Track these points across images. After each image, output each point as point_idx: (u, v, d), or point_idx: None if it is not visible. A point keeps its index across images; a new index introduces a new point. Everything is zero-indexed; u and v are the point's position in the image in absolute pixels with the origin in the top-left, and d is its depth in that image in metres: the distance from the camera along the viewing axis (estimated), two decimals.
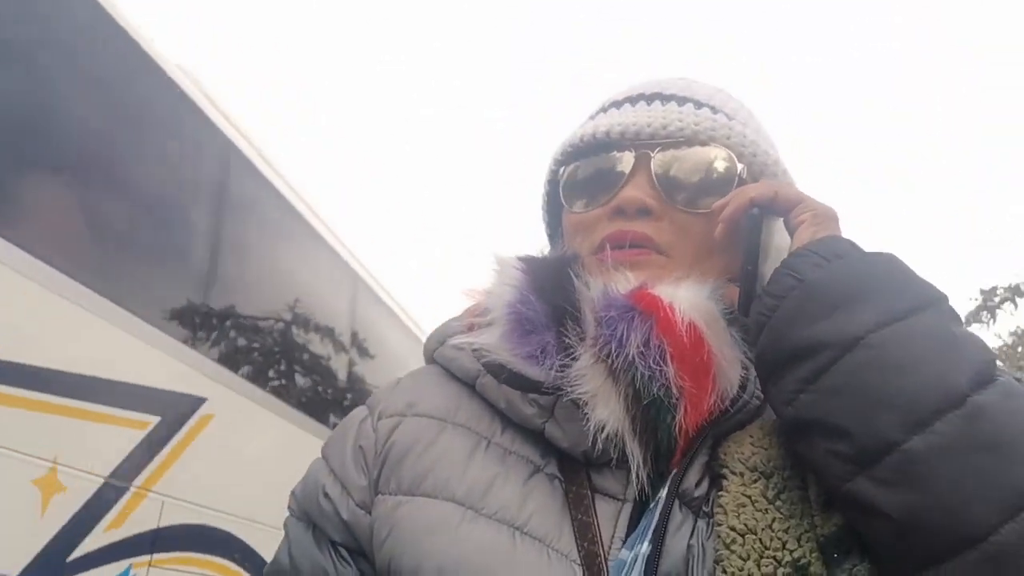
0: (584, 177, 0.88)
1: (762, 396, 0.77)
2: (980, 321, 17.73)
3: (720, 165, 0.84)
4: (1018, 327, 18.19)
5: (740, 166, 0.85)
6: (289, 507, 0.86)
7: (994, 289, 17.61)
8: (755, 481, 0.69)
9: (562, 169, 0.91)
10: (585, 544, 0.70)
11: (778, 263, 0.74)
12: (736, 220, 0.78)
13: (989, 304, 17.68)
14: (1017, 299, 17.31)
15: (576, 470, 0.76)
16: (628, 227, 0.82)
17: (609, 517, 0.73)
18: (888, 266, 0.69)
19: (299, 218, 4.78)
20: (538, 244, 0.95)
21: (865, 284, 0.67)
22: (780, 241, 0.82)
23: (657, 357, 0.72)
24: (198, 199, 3.85)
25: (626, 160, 0.84)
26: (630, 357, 0.72)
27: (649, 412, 0.72)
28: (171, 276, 3.67)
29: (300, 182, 4.80)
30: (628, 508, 0.73)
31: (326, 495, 0.81)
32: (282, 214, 4.57)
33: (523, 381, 0.78)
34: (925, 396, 0.60)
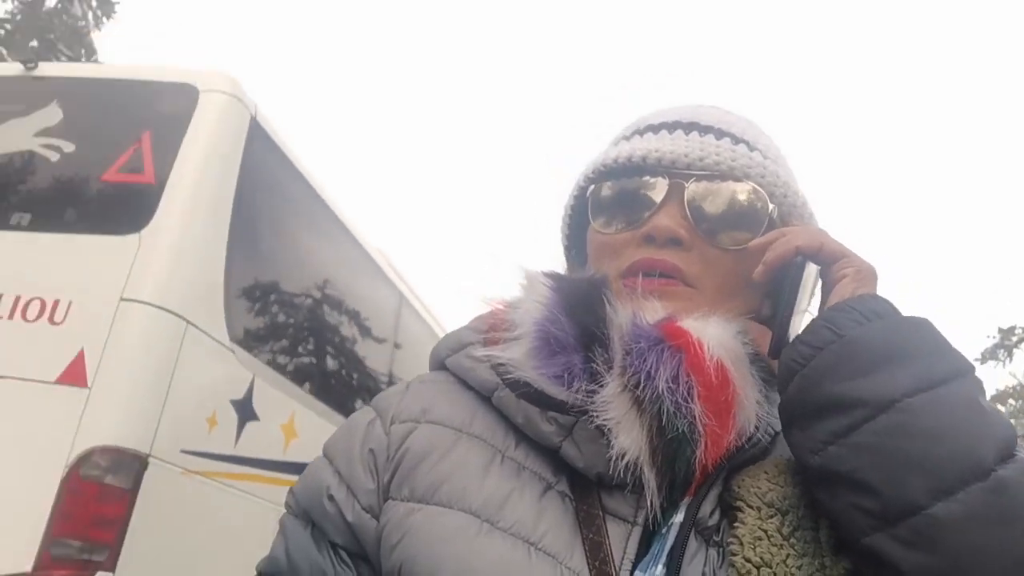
0: (615, 198, 0.88)
1: (773, 434, 0.79)
2: (997, 359, 18.17)
3: (753, 203, 0.85)
4: None
5: (772, 206, 0.86)
6: (287, 504, 0.86)
7: (1012, 328, 18.19)
8: (771, 516, 0.70)
9: (592, 187, 0.91)
10: (596, 563, 0.71)
11: (805, 310, 0.76)
12: (779, 266, 0.79)
13: (1007, 343, 18.05)
14: None
15: (587, 490, 0.76)
16: (659, 256, 0.83)
17: (619, 538, 0.74)
18: (925, 332, 0.71)
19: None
20: (549, 254, 0.97)
21: (903, 348, 0.69)
22: (808, 288, 0.82)
23: (685, 393, 0.73)
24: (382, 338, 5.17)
25: (660, 187, 0.85)
26: (658, 391, 0.73)
27: (670, 445, 0.73)
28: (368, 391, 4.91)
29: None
30: (638, 531, 0.74)
31: (331, 497, 0.81)
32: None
33: (544, 399, 0.78)
34: (953, 465, 0.63)
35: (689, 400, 0.73)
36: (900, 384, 0.66)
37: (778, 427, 0.78)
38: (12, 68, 3.68)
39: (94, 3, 16.78)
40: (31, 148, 3.40)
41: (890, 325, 0.71)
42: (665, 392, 0.73)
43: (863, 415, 0.66)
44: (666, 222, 0.83)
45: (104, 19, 17.48)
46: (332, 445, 0.87)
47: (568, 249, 0.99)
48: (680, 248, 0.83)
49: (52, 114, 3.49)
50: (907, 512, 0.63)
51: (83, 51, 16.83)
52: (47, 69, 3.66)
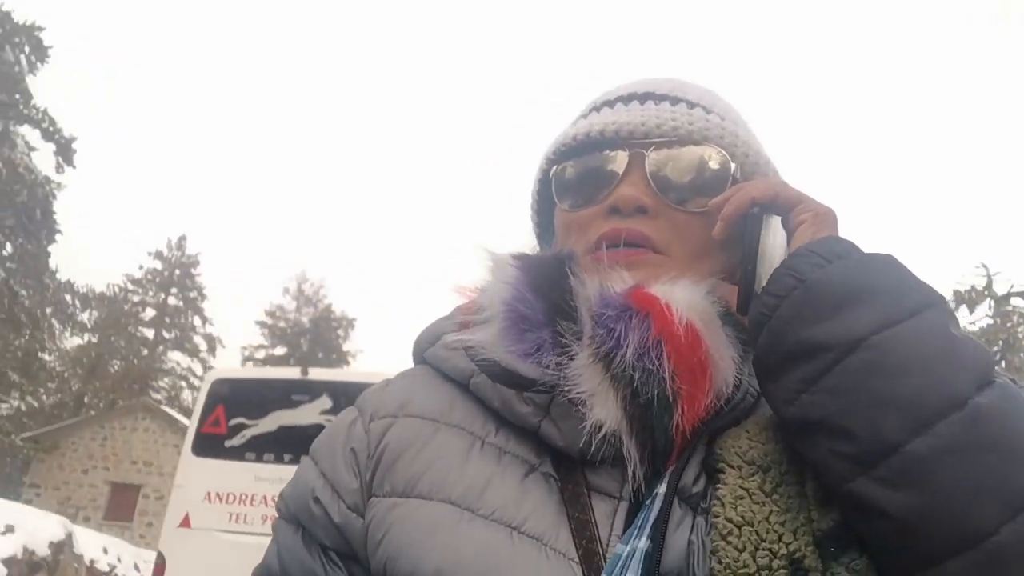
0: (577, 176, 0.88)
1: (756, 393, 0.78)
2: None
3: (714, 164, 0.85)
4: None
5: (734, 166, 0.85)
6: (278, 509, 0.86)
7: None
8: (752, 475, 0.69)
9: (554, 168, 0.91)
10: (583, 542, 0.71)
11: (776, 262, 0.75)
12: (736, 219, 0.78)
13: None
14: None
15: (571, 469, 0.76)
16: (624, 225, 0.83)
17: (606, 515, 0.73)
18: (888, 267, 0.70)
19: None
20: (522, 242, 0.96)
21: (866, 285, 0.67)
22: (777, 240, 0.82)
23: (655, 357, 0.73)
24: None
25: (620, 159, 0.85)
26: (628, 357, 0.73)
27: (646, 412, 0.73)
28: None
29: None
30: (624, 506, 0.73)
31: (316, 499, 0.81)
32: None
33: (518, 379, 0.78)
34: (928, 398, 0.61)
35: (660, 363, 0.72)
36: (866, 322, 0.65)
37: (755, 386, 0.77)
38: (294, 372, 6.59)
39: (27, 48, 17.56)
40: (319, 422, 6.09)
41: (852, 264, 0.69)
42: (634, 357, 0.72)
43: (832, 358, 0.65)
44: (630, 191, 0.83)
45: (38, 63, 18.16)
46: (317, 447, 0.87)
47: (540, 236, 0.99)
48: (646, 216, 0.83)
49: (325, 401, 6.20)
50: (886, 452, 0.61)
51: (18, 96, 17.66)
52: (316, 374, 6.49)
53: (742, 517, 0.66)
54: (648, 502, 0.72)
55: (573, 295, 0.78)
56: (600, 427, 0.73)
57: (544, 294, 0.79)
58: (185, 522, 5.90)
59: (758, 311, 0.72)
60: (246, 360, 36.76)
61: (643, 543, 0.69)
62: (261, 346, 37.53)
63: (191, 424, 6.49)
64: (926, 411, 0.61)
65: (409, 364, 0.94)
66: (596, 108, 0.94)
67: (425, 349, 0.90)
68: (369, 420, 0.84)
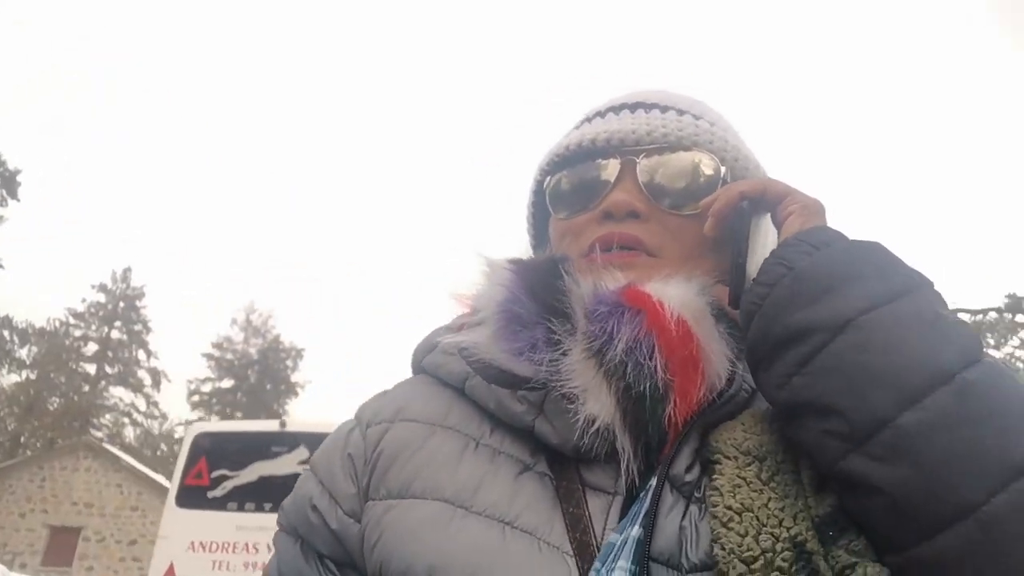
0: (571, 185, 0.90)
1: (750, 390, 0.79)
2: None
3: (704, 169, 0.87)
4: None
5: (723, 169, 0.88)
6: (279, 522, 0.87)
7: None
8: (749, 464, 0.70)
9: (548, 179, 0.93)
10: (577, 535, 0.71)
11: (764, 257, 0.76)
12: (726, 215, 0.80)
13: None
14: None
15: (566, 466, 0.76)
16: (617, 229, 0.85)
17: (600, 510, 0.74)
18: (875, 252, 0.72)
19: None
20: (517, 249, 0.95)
21: (853, 269, 0.69)
22: (768, 239, 0.84)
23: (646, 351, 0.74)
24: None
25: (612, 167, 0.87)
26: (620, 351, 0.74)
27: (639, 405, 0.74)
28: None
29: None
30: (619, 501, 0.74)
31: (314, 507, 0.82)
32: None
33: (512, 378, 0.79)
34: (915, 374, 0.62)
35: (651, 357, 0.73)
36: (853, 303, 0.66)
37: (754, 385, 0.78)
38: (272, 424, 6.89)
39: None
40: (297, 471, 6.10)
41: (839, 250, 0.71)
42: (626, 352, 0.74)
43: (821, 339, 0.66)
44: (622, 197, 0.85)
45: (9, 198, 17.49)
46: (317, 457, 0.87)
47: (536, 247, 1.01)
48: (639, 220, 0.85)
49: (303, 452, 6.22)
50: (875, 427, 0.62)
51: None
52: (293, 425, 6.77)
53: (741, 504, 0.67)
54: (642, 495, 0.73)
55: (567, 295, 0.79)
56: (593, 421, 0.74)
57: (538, 295, 0.80)
58: (170, 572, 6.18)
59: (749, 301, 0.73)
60: (192, 394, 36.01)
61: (635, 531, 0.70)
62: (208, 379, 36.86)
63: (174, 476, 6.72)
64: (914, 386, 0.62)
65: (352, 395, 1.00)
66: (588, 119, 0.96)
67: (422, 358, 0.91)
68: (366, 427, 0.85)
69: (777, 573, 0.63)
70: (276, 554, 0.85)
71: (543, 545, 0.71)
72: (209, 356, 36.92)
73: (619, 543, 0.69)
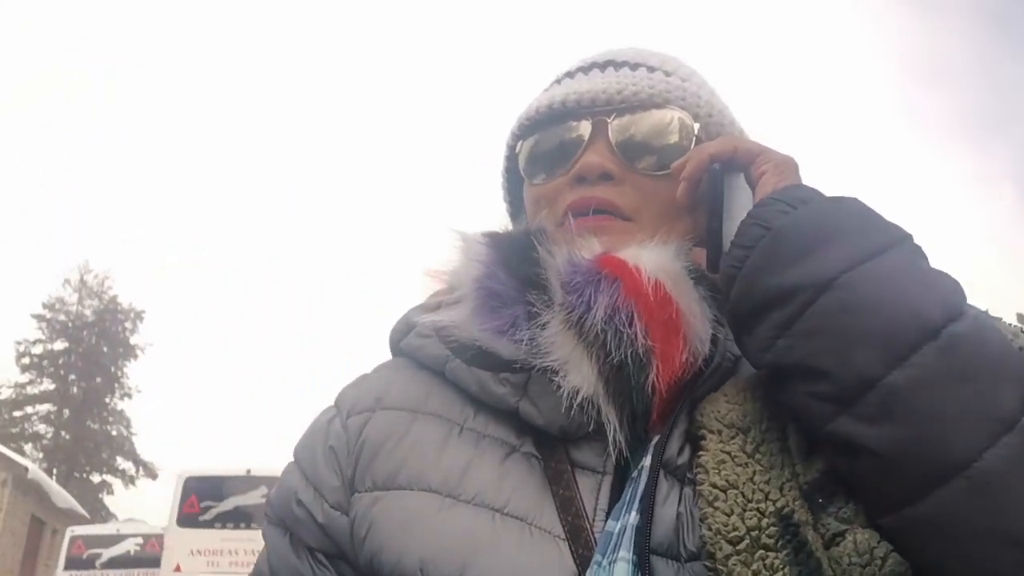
0: (543, 149, 0.88)
1: (734, 358, 0.78)
2: None
3: (677, 126, 0.86)
4: None
5: (696, 126, 0.86)
6: (266, 514, 0.86)
7: None
8: (733, 437, 0.69)
9: (520, 143, 0.91)
10: (569, 518, 0.70)
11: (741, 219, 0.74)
12: (697, 178, 0.79)
13: None
14: None
15: (553, 446, 0.75)
16: (590, 193, 0.83)
17: (590, 490, 0.73)
18: (853, 209, 0.71)
19: None
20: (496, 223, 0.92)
21: (832, 227, 0.68)
22: (742, 201, 0.81)
23: (625, 318, 0.73)
24: None
25: (583, 128, 0.85)
26: (598, 320, 0.72)
27: (622, 374, 0.72)
28: None
29: None
30: (608, 480, 0.73)
31: (299, 502, 0.80)
32: None
33: (493, 360, 0.77)
34: (901, 331, 0.62)
35: (631, 323, 0.72)
36: (834, 262, 0.65)
37: (737, 352, 0.77)
38: (242, 470, 10.21)
39: None
40: (260, 502, 9.57)
41: (816, 208, 0.70)
42: (605, 320, 0.72)
43: (804, 300, 0.65)
44: (594, 159, 0.83)
45: None
46: (299, 448, 0.86)
47: (513, 215, 0.99)
48: (612, 183, 0.83)
49: (264, 490, 9.47)
50: (863, 387, 0.62)
51: None
52: (257, 471, 9.97)
53: (726, 481, 0.66)
54: (634, 475, 0.72)
55: (543, 266, 0.77)
56: (577, 393, 0.72)
57: (514, 269, 0.78)
58: (177, 568, 10.08)
59: (728, 265, 0.72)
60: (21, 355, 35.14)
61: (633, 518, 0.68)
62: (38, 340, 35.09)
63: (173, 507, 10.44)
64: (900, 343, 0.62)
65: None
66: (558, 80, 0.94)
67: (399, 340, 0.88)
68: (347, 416, 0.83)
69: (763, 551, 0.63)
70: (266, 547, 0.84)
71: (534, 530, 0.70)
72: (40, 317, 35.22)
73: (617, 531, 0.68)
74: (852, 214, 0.71)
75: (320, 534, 0.79)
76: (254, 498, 10.30)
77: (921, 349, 0.62)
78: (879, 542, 0.63)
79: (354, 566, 0.77)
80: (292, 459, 0.87)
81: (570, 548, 0.69)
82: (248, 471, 10.49)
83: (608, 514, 0.71)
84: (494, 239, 0.83)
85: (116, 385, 37.06)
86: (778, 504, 0.65)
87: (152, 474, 37.95)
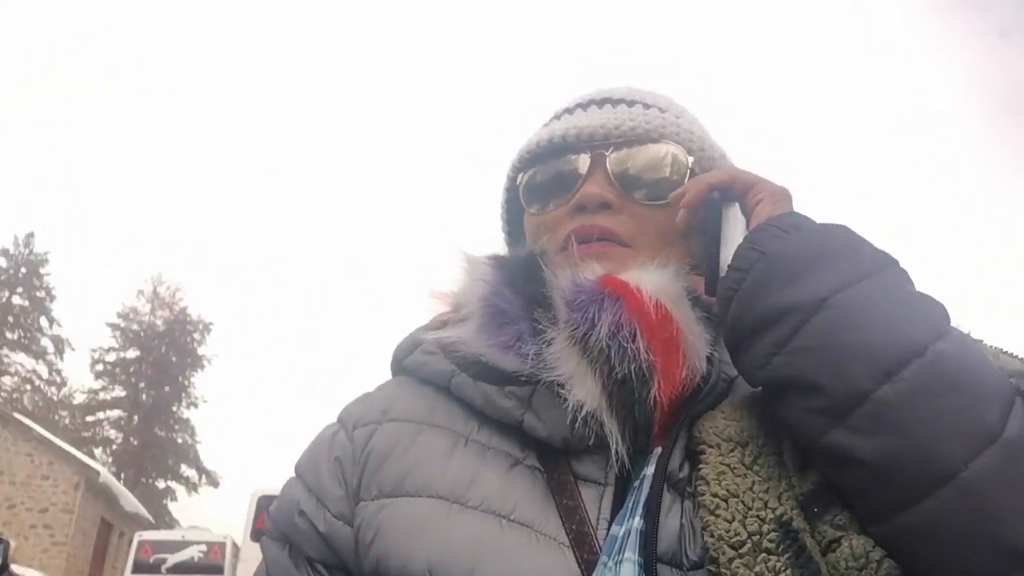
0: (543, 180, 0.94)
1: (728, 380, 0.81)
2: None
3: (672, 159, 0.91)
4: None
5: (691, 159, 0.91)
6: (266, 529, 0.87)
7: None
8: (732, 450, 0.71)
9: (520, 175, 0.96)
10: (573, 526, 0.72)
11: (736, 246, 0.77)
12: (696, 205, 0.83)
13: None
14: None
15: (556, 459, 0.78)
16: (591, 221, 0.87)
17: (593, 501, 0.75)
18: (844, 234, 0.74)
19: None
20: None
21: (824, 250, 0.72)
22: (737, 227, 0.84)
23: (628, 334, 0.76)
24: None
25: (583, 161, 0.90)
26: (603, 336, 0.76)
27: (625, 388, 0.75)
28: None
29: None
30: (610, 491, 0.75)
31: (301, 512, 0.82)
32: None
33: (499, 374, 0.80)
34: (890, 348, 0.65)
35: (634, 339, 0.76)
36: (827, 283, 0.68)
37: (733, 372, 0.80)
38: None
39: None
40: None
41: (809, 233, 0.74)
42: (610, 336, 0.76)
43: (798, 319, 0.68)
44: (594, 189, 0.88)
45: None
46: (301, 462, 0.87)
47: (511, 245, 1.03)
48: (610, 212, 0.88)
49: None
50: (855, 401, 0.64)
51: None
52: None
53: (727, 490, 0.68)
54: (636, 484, 0.74)
55: (548, 286, 0.80)
56: (582, 407, 0.75)
57: (520, 288, 0.82)
58: None
59: (725, 287, 0.75)
60: (95, 363, 36.30)
61: (637, 522, 0.70)
62: (112, 348, 36.47)
63: (247, 523, 10.88)
64: (890, 359, 0.64)
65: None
66: (557, 116, 1.00)
67: (403, 358, 0.91)
68: (352, 428, 0.85)
69: (765, 555, 0.65)
70: (265, 561, 0.85)
71: (540, 537, 0.72)
72: (114, 326, 36.76)
73: (622, 535, 0.70)
74: (842, 240, 0.74)
75: (321, 544, 0.81)
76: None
77: (909, 365, 0.64)
78: (874, 547, 0.65)
79: None
80: (293, 473, 0.88)
81: (575, 554, 0.71)
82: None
83: (610, 524, 0.73)
84: (499, 261, 0.87)
85: (183, 394, 38.05)
86: (777, 512, 0.68)
87: (214, 482, 38.76)
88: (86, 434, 35.98)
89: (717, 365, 0.81)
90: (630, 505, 0.73)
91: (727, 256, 0.80)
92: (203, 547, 15.26)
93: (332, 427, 0.89)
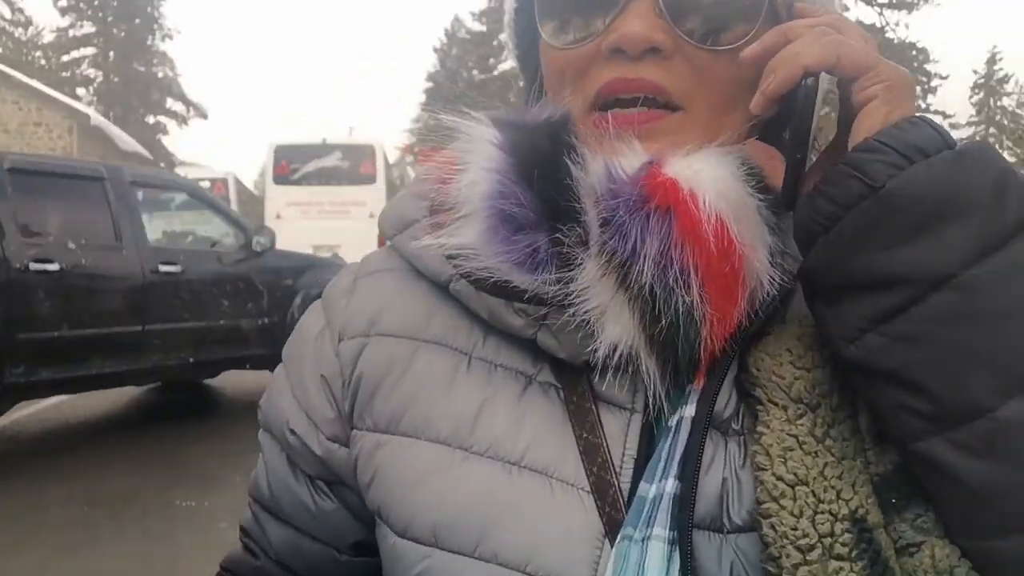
0: None
1: (792, 279, 0.63)
2: None
3: None
4: None
5: None
6: (260, 420, 0.79)
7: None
8: (800, 416, 0.58)
9: None
10: (595, 469, 0.61)
11: (814, 124, 0.58)
12: (783, 95, 0.58)
13: None
14: None
15: (576, 376, 0.64)
16: (634, 74, 0.62)
17: (617, 431, 0.62)
18: (985, 167, 0.52)
19: None
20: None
21: (959, 197, 0.51)
22: (820, 91, 0.63)
23: (678, 272, 0.58)
24: None
25: None
26: (646, 275, 0.58)
27: (668, 330, 0.60)
28: None
29: None
30: (638, 420, 0.62)
31: (292, 431, 0.74)
32: None
33: (509, 291, 0.63)
34: None
35: (686, 279, 0.58)
36: (957, 250, 0.50)
37: (792, 268, 0.62)
38: (317, 139, 15.60)
39: None
40: (336, 164, 15.19)
41: (940, 165, 0.52)
42: (654, 276, 0.58)
43: (909, 295, 0.51)
44: (636, 27, 0.61)
45: None
46: (288, 356, 0.78)
47: (524, 70, 0.77)
48: (659, 57, 0.62)
49: (337, 155, 15.32)
50: (970, 415, 0.50)
51: None
52: (330, 140, 15.56)
53: (795, 475, 0.56)
54: (671, 424, 0.61)
55: (576, 187, 0.61)
56: (615, 348, 0.61)
57: (536, 185, 0.61)
58: (278, 216, 13.76)
59: (810, 217, 0.55)
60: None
61: (671, 485, 0.59)
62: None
63: (267, 170, 14.98)
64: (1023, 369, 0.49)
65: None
66: None
67: (391, 235, 0.73)
68: (338, 340, 0.73)
69: (836, 561, 0.55)
70: (263, 461, 0.78)
71: (555, 484, 0.61)
72: None
73: (651, 499, 0.59)
74: (983, 177, 0.52)
75: (318, 464, 0.73)
76: (331, 161, 14.58)
77: None
78: (960, 560, 0.54)
79: (358, 493, 0.71)
80: (281, 364, 0.79)
81: (596, 505, 0.61)
82: (324, 140, 14.76)
83: (636, 463, 0.62)
84: (509, 138, 0.64)
85: (155, 26, 36.90)
86: (851, 504, 0.56)
87: (202, 114, 39.18)
88: (65, 74, 35.41)
89: (779, 272, 0.62)
90: (663, 455, 0.61)
91: (817, 143, 0.61)
92: (207, 184, 16.61)
93: (317, 320, 0.76)
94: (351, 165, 15.07)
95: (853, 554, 0.55)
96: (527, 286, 0.63)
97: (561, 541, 0.61)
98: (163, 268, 6.12)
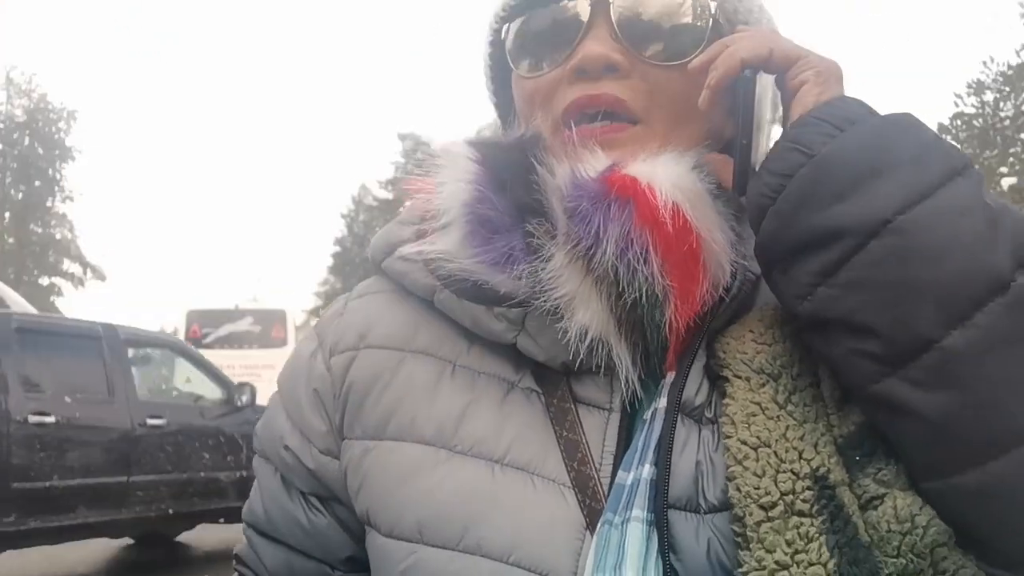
0: (534, 32, 0.75)
1: (754, 278, 0.69)
2: None
3: (690, 4, 0.72)
4: None
5: (713, 6, 0.73)
6: (255, 447, 0.82)
7: None
8: (763, 385, 0.63)
9: (506, 27, 0.77)
10: (575, 464, 0.64)
11: (766, 126, 0.65)
12: (725, 87, 0.66)
13: None
14: None
15: (555, 381, 0.68)
16: (596, 90, 0.70)
17: (596, 430, 0.66)
18: (909, 130, 0.60)
19: None
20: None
21: (886, 155, 0.58)
22: (767, 103, 0.73)
23: (639, 251, 0.64)
24: None
25: (581, 8, 0.71)
26: (609, 255, 0.63)
27: (635, 311, 0.64)
28: None
29: None
30: (616, 418, 0.66)
31: (286, 447, 0.77)
32: None
33: (488, 294, 0.68)
34: (964, 285, 0.54)
35: (646, 257, 0.63)
36: (888, 199, 0.56)
37: (758, 270, 0.68)
38: (230, 305, 15.86)
39: None
40: (250, 329, 15.10)
41: (867, 130, 0.59)
42: (617, 255, 0.63)
43: (851, 245, 0.56)
44: (596, 48, 0.70)
45: None
46: (282, 382, 0.81)
47: (500, 110, 0.85)
48: (618, 75, 0.70)
49: (249, 319, 15.22)
50: (918, 349, 0.55)
51: None
52: (242, 306, 15.64)
53: (757, 437, 0.60)
54: (647, 417, 0.65)
55: (543, 189, 0.66)
56: (586, 332, 0.64)
57: (509, 191, 0.68)
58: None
59: (759, 193, 0.62)
60: None
61: (647, 471, 0.62)
62: None
63: (179, 334, 14.11)
64: (963, 300, 0.54)
65: None
66: None
67: (381, 260, 0.78)
68: (329, 355, 0.77)
69: (797, 518, 0.57)
70: (259, 485, 0.81)
71: (537, 480, 0.64)
72: None
73: (629, 485, 0.62)
74: (907, 137, 0.59)
75: (311, 479, 0.76)
76: (243, 325, 14.86)
77: (986, 306, 0.54)
78: (921, 508, 0.57)
79: (350, 508, 0.74)
80: (277, 391, 0.82)
81: (577, 499, 0.63)
82: (236, 306, 15.50)
83: (615, 458, 0.65)
84: (483, 154, 0.71)
85: (56, 188, 36.69)
86: (813, 464, 0.59)
87: (100, 276, 38.42)
88: None
89: (741, 269, 0.68)
90: (639, 446, 0.64)
91: (759, 143, 0.68)
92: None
93: (310, 343, 0.80)
94: (262, 330, 15.29)
95: (814, 510, 0.57)
96: (503, 287, 0.67)
97: (543, 532, 0.62)
98: (150, 421, 6.36)
